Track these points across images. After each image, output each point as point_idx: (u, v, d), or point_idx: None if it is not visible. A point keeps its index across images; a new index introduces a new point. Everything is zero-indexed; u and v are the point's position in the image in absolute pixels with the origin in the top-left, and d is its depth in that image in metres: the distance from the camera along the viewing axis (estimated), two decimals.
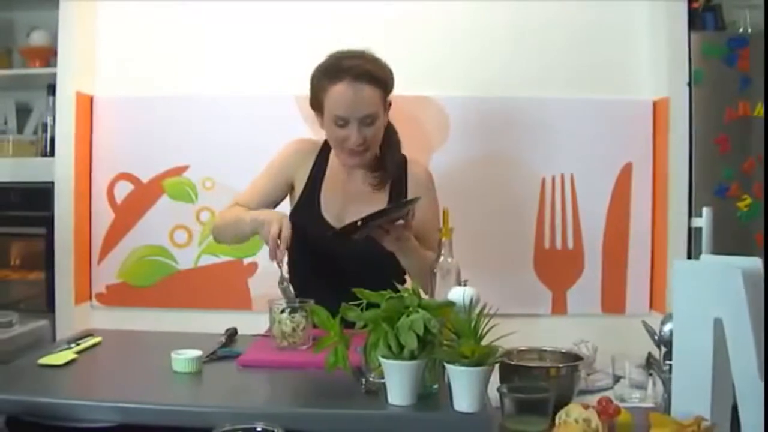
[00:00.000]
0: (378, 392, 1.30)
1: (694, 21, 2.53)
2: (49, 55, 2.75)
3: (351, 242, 1.71)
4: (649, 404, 1.47)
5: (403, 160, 1.97)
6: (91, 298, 2.73)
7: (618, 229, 2.65)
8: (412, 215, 1.73)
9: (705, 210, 2.45)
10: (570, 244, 2.67)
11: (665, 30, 2.55)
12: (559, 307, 2.66)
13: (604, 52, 2.66)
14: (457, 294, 1.36)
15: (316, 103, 1.85)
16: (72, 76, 2.60)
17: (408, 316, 1.24)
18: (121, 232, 2.70)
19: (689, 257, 2.52)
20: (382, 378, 1.30)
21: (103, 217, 2.71)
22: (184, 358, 1.45)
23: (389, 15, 2.66)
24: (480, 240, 2.56)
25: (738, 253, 1.30)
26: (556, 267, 2.66)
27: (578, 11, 2.65)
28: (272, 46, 2.66)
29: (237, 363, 1.50)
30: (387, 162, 1.91)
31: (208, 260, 2.70)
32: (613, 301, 2.67)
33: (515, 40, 2.66)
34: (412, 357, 1.24)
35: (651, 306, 2.67)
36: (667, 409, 1.36)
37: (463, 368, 1.22)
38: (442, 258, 1.59)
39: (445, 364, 1.24)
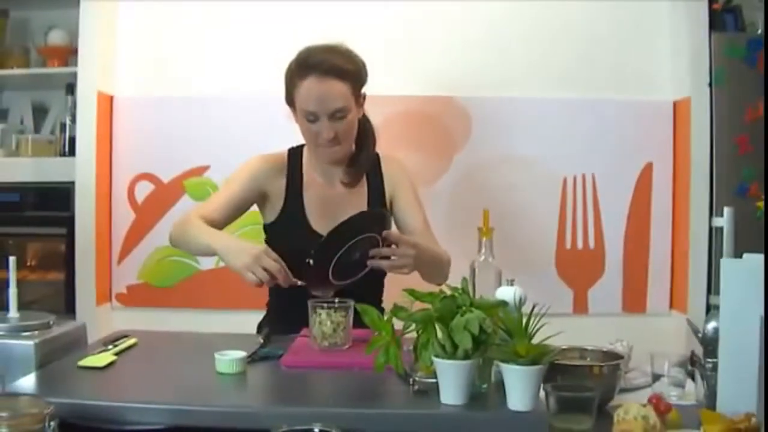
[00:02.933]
0: (428, 392, 1.30)
1: (715, 22, 2.54)
2: (67, 55, 2.74)
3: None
4: (687, 402, 1.48)
5: (376, 157, 1.96)
6: (111, 298, 2.72)
7: (639, 228, 2.67)
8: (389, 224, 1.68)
9: (726, 210, 2.46)
10: (591, 244, 2.68)
11: (686, 31, 2.57)
12: (580, 306, 2.67)
13: (624, 53, 2.67)
14: (507, 293, 1.37)
15: (289, 99, 1.85)
16: (93, 76, 2.59)
17: (462, 315, 1.24)
18: (142, 232, 2.69)
19: (710, 257, 2.53)
20: (430, 378, 1.30)
21: (124, 217, 2.70)
22: (229, 359, 1.44)
23: (411, 16, 2.67)
24: (501, 239, 2.55)
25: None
26: (578, 266, 2.68)
27: (599, 12, 2.66)
28: (295, 47, 2.65)
29: (282, 363, 1.50)
30: (361, 157, 1.90)
31: None
32: (633, 300, 2.68)
33: (536, 40, 2.67)
34: (466, 356, 1.24)
35: (671, 305, 2.68)
36: (709, 407, 1.37)
37: (518, 367, 1.22)
38: (482, 257, 1.60)
39: (500, 363, 1.24)
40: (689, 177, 2.56)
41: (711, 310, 2.52)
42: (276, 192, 1.89)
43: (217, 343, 1.61)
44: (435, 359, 1.25)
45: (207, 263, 2.70)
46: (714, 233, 2.53)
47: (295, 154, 1.94)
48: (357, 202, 1.89)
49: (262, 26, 2.70)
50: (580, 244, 2.68)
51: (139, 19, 2.72)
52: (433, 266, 1.83)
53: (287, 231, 1.86)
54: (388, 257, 1.67)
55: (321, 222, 1.84)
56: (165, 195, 2.69)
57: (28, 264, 2.84)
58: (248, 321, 2.54)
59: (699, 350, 2.43)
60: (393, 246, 1.67)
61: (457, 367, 1.24)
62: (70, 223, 2.60)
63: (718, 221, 2.51)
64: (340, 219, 1.84)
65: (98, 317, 2.58)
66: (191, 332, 1.85)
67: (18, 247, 2.79)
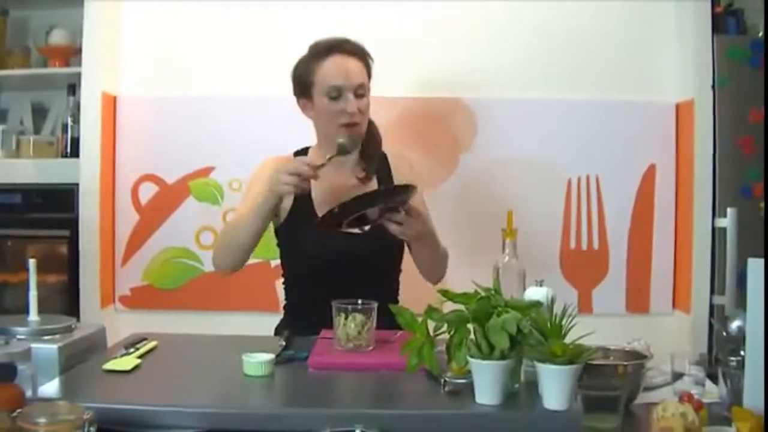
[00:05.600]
0: (460, 392, 1.30)
1: (717, 25, 2.57)
2: (69, 55, 2.71)
3: (351, 234, 1.76)
4: (709, 400, 1.49)
5: (383, 155, 1.99)
6: (114, 301, 2.69)
7: (642, 229, 2.69)
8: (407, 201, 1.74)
9: (729, 211, 2.51)
10: (595, 245, 2.70)
11: (689, 33, 2.60)
12: (585, 306, 2.68)
13: (628, 56, 2.69)
14: (538, 294, 1.38)
15: (303, 88, 1.89)
16: (97, 76, 2.57)
17: (498, 316, 1.25)
18: (146, 233, 2.67)
19: (713, 258, 2.56)
20: (460, 378, 1.31)
21: (127, 218, 2.67)
22: (257, 361, 1.43)
23: (415, 17, 2.67)
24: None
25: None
26: (582, 267, 2.69)
27: (603, 15, 2.68)
28: (301, 47, 2.65)
29: (309, 365, 1.49)
30: (371, 154, 1.94)
31: None
32: (637, 300, 2.70)
33: (541, 42, 2.68)
34: (502, 357, 1.25)
35: (674, 305, 2.71)
36: (732, 404, 1.39)
37: (555, 367, 1.23)
38: (506, 258, 1.61)
39: (537, 363, 1.25)
40: (692, 178, 2.58)
41: (715, 310, 2.57)
42: None
43: (236, 345, 1.61)
44: (471, 359, 1.26)
45: (212, 265, 2.67)
46: (717, 234, 2.56)
47: (300, 154, 1.97)
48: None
49: (268, 27, 2.69)
50: (584, 245, 2.70)
51: (143, 18, 2.70)
52: (433, 251, 1.89)
53: (298, 227, 1.87)
54: (399, 223, 1.73)
55: (326, 209, 1.84)
56: (169, 196, 2.67)
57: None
58: (254, 323, 2.51)
59: (704, 349, 2.47)
60: (404, 214, 1.73)
61: (493, 367, 1.24)
62: (73, 224, 2.57)
63: (721, 222, 2.54)
64: None
65: (102, 320, 2.54)
66: (209, 335, 1.84)
67: (18, 248, 2.75)
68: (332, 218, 1.69)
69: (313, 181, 1.88)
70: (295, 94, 1.92)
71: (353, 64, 1.86)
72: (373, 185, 1.93)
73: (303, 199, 1.88)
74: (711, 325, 2.54)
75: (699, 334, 2.55)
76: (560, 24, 2.68)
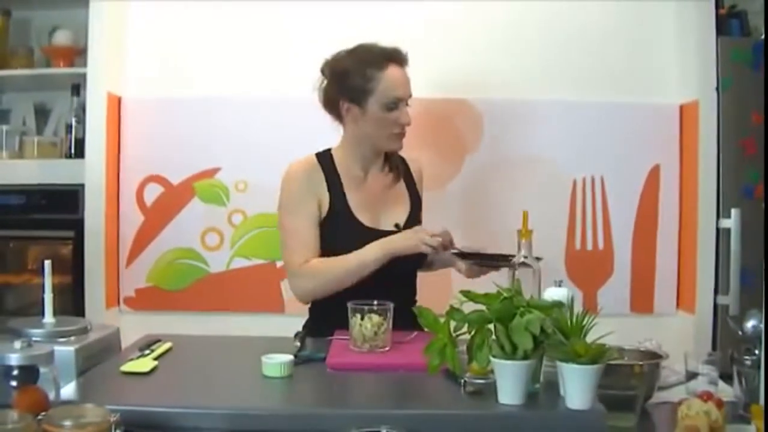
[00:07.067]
0: (481, 392, 1.31)
1: (721, 27, 2.59)
2: (72, 55, 2.70)
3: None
4: (724, 398, 1.50)
5: (401, 158, 2.04)
6: (119, 302, 2.68)
7: (646, 229, 2.70)
8: None
9: (734, 212, 2.52)
10: (600, 245, 2.71)
11: (693, 35, 2.61)
12: (589, 306, 2.64)
13: (633, 57, 2.71)
14: (559, 294, 1.39)
15: (356, 94, 1.86)
16: (102, 77, 2.56)
17: (521, 316, 1.25)
18: (151, 235, 2.66)
19: (717, 258, 2.58)
20: (480, 378, 1.31)
21: (132, 219, 2.66)
22: (276, 362, 1.43)
23: (421, 18, 2.67)
24: (512, 241, 2.58)
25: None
26: (587, 267, 2.70)
27: (608, 17, 2.70)
28: (307, 48, 2.64)
29: (328, 366, 1.49)
30: (394, 157, 2.00)
31: (240, 263, 2.67)
32: (641, 300, 2.71)
33: (547, 43, 2.69)
34: (525, 357, 1.25)
35: (678, 305, 2.73)
36: (748, 403, 1.41)
37: (578, 367, 1.23)
38: (521, 259, 1.61)
39: (559, 362, 1.26)
40: (696, 179, 2.59)
41: (719, 310, 2.58)
42: (324, 193, 1.90)
43: (250, 345, 1.62)
44: (494, 360, 1.26)
45: (217, 266, 2.68)
46: (721, 234, 2.58)
47: (324, 156, 1.95)
48: (398, 197, 1.98)
49: (273, 28, 2.69)
50: (589, 245, 2.71)
51: (149, 19, 2.69)
52: None
53: (338, 228, 1.88)
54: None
55: (366, 216, 1.89)
56: (174, 197, 2.66)
57: (30, 267, 2.78)
58: (259, 323, 2.52)
59: (708, 349, 2.48)
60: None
61: (517, 367, 1.25)
62: (78, 225, 2.55)
63: (725, 222, 2.56)
64: (381, 212, 1.93)
65: (107, 321, 2.53)
66: (221, 336, 1.84)
67: (21, 250, 2.74)
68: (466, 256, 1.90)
69: (347, 186, 1.90)
70: (340, 97, 1.88)
71: (406, 75, 1.91)
72: (400, 185, 2.00)
73: (340, 201, 1.89)
74: (715, 325, 2.56)
75: (703, 334, 2.56)
76: (566, 25, 2.69)
